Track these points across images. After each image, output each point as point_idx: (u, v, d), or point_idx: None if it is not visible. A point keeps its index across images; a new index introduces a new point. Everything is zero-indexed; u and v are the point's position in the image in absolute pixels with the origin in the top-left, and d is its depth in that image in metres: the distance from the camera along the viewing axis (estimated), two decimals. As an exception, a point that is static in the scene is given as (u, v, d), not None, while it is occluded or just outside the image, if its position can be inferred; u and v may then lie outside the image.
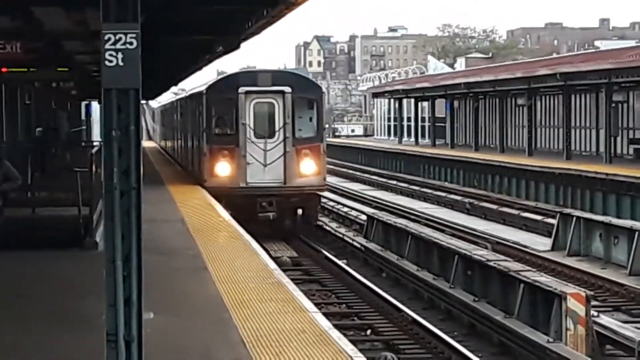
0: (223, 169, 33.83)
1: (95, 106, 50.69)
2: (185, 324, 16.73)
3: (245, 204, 32.32)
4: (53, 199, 24.54)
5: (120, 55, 11.14)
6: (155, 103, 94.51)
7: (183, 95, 57.83)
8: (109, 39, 11.05)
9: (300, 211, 35.69)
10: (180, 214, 26.50)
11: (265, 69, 32.58)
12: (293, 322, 16.64)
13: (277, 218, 33.82)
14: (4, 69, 27.88)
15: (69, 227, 22.58)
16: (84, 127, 44.15)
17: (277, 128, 33.62)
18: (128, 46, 11.20)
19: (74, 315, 16.52)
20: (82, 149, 35.66)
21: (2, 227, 22.59)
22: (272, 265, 20.10)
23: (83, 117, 47.84)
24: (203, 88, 35.77)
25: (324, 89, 37.49)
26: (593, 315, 23.05)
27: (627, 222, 37.66)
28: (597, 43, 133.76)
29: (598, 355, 22.52)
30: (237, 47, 32.97)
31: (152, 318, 12.33)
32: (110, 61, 11.07)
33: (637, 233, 34.47)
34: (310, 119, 34.95)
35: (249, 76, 33.41)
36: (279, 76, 34.47)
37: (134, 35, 11.06)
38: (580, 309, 22.51)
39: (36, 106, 38.80)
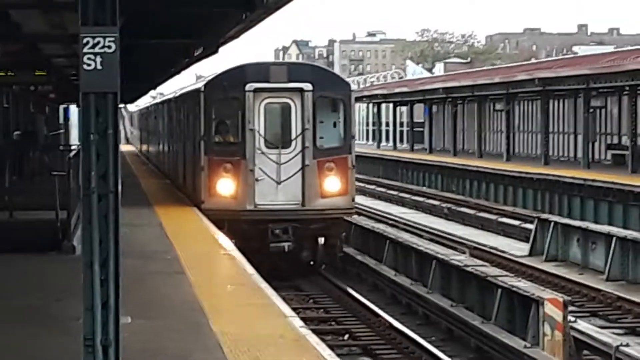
0: (225, 187, 28.45)
1: (74, 109, 50.38)
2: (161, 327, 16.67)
3: (253, 232, 27.75)
4: (31, 203, 24.61)
5: (98, 59, 11.15)
6: (133, 107, 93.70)
7: (171, 95, 50.76)
8: (88, 42, 11.06)
9: (321, 240, 29.46)
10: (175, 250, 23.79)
11: (279, 61, 28.45)
12: (271, 326, 16.63)
13: (293, 249, 28.42)
14: None
15: (46, 231, 22.75)
16: (62, 131, 44.03)
17: (293, 136, 28.28)
18: (107, 50, 11.20)
19: (49, 318, 16.72)
20: (60, 153, 35.11)
21: None
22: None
23: (61, 120, 47.74)
24: (200, 85, 30.27)
25: (353, 86, 29.84)
26: (570, 321, 23.39)
27: (605, 228, 38.02)
28: (575, 48, 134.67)
29: (578, 357, 22.75)
30: (215, 51, 32.95)
31: (130, 322, 12.24)
32: (89, 65, 11.08)
33: (614, 239, 34.82)
34: (335, 124, 29.37)
35: (259, 69, 28.54)
36: (297, 70, 29.05)
37: (112, 39, 11.09)
38: (557, 314, 22.73)
39: (14, 109, 38.64)
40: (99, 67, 11.12)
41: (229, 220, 27.05)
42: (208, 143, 29.13)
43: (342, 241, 30.58)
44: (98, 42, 11.14)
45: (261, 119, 28.68)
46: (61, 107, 47.12)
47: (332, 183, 28.70)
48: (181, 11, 22.39)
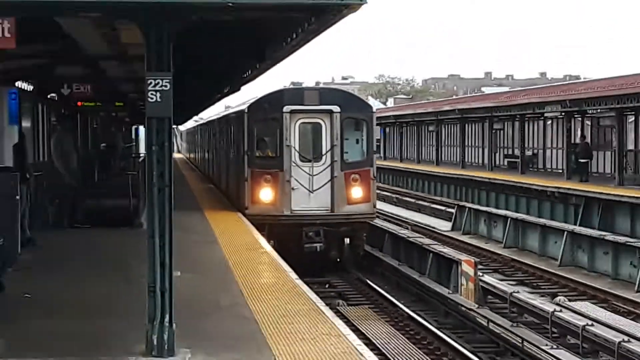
0: (266, 195, 25.22)
1: (142, 129, 50.28)
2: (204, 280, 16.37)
3: (289, 234, 24.78)
4: (112, 193, 24.82)
5: (158, 94, 11.12)
6: (182, 127, 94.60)
7: (215, 117, 45.66)
8: (151, 82, 11.02)
9: (347, 241, 26.84)
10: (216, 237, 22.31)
11: (311, 86, 25.05)
12: (275, 278, 16.48)
13: (324, 249, 25.79)
14: (79, 103, 27.96)
15: (123, 212, 23.01)
16: (133, 144, 44.27)
17: (324, 151, 25.21)
18: (164, 88, 11.13)
19: (124, 272, 16.76)
20: (132, 159, 35.24)
21: (83, 213, 24.18)
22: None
23: (133, 136, 47.89)
24: (244, 107, 27.05)
25: (374, 108, 28.20)
26: (479, 275, 23.60)
27: (502, 212, 38.84)
28: (483, 89, 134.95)
29: (482, 302, 22.79)
30: (238, 89, 32.99)
31: (180, 275, 12.40)
32: (152, 98, 11.08)
33: (509, 219, 35.53)
34: (359, 141, 26.03)
35: (294, 93, 26.08)
36: (327, 94, 26.25)
37: (167, 80, 11.06)
38: (470, 271, 22.95)
39: (101, 129, 38.66)
40: (158, 100, 11.11)
41: (269, 224, 24.07)
42: (251, 157, 25.59)
43: (364, 242, 27.35)
44: (158, 83, 11.11)
45: (296, 136, 25.26)
46: (133, 127, 47.34)
47: (357, 192, 25.40)
48: (213, 63, 22.30)
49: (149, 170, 11.31)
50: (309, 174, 25.00)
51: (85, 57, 19.13)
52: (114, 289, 15.36)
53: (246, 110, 25.73)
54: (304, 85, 23.92)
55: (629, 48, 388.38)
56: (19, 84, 22.58)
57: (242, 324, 13.06)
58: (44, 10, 11.00)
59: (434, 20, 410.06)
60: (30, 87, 24.34)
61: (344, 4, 10.19)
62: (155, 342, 11.06)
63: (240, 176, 26.17)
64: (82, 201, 24.35)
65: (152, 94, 11.07)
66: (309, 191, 24.94)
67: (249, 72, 24.74)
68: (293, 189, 24.75)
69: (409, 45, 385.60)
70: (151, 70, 10.91)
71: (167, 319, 11.10)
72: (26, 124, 23.87)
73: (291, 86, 26.21)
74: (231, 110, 33.50)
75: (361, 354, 11.20)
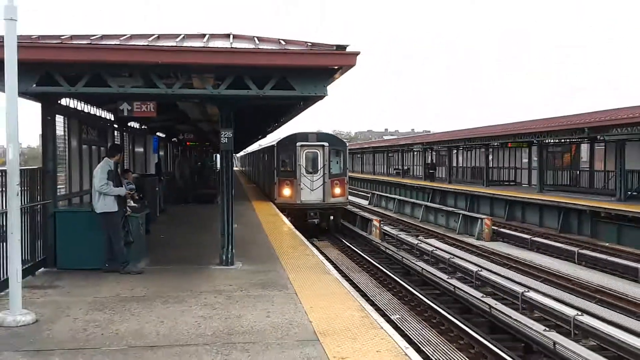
0: (286, 192, 24.59)
1: (218, 155, 49.81)
2: (248, 227, 16.18)
3: (299, 214, 24.11)
4: (204, 187, 28.11)
5: (226, 139, 11.46)
6: (237, 155, 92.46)
7: (257, 148, 45.28)
8: (223, 133, 11.48)
9: (332, 218, 26.31)
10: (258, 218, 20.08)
11: (313, 131, 24.72)
12: (294, 241, 15.38)
13: (319, 222, 25.30)
14: (187, 143, 32.81)
15: (209, 196, 25.55)
16: (214, 163, 44.14)
17: (319, 167, 24.50)
18: (229, 135, 11.43)
19: (209, 227, 16.40)
20: (213, 171, 35.73)
21: (191, 196, 25.96)
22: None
23: (214, 159, 47.78)
24: (274, 143, 26.62)
25: (347, 144, 27.81)
26: (382, 226, 25.95)
27: (392, 195, 41.53)
28: (385, 137, 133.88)
29: (383, 239, 24.19)
30: (265, 136, 35.19)
31: (237, 227, 12.31)
32: (223, 140, 11.52)
33: (395, 199, 38.12)
34: (338, 162, 25.31)
35: (303, 135, 25.07)
36: (321, 136, 25.58)
37: (231, 132, 11.50)
38: (377, 224, 25.15)
39: (198, 156, 39.19)
40: (226, 141, 11.51)
41: (288, 209, 23.85)
42: (278, 171, 25.28)
43: (340, 218, 26.86)
44: (226, 133, 11.42)
45: (304, 159, 24.90)
46: (214, 154, 46.93)
47: (337, 191, 25.06)
48: (253, 123, 23.95)
49: (221, 176, 12.05)
50: (311, 180, 25.19)
51: (190, 120, 20.21)
52: (204, 234, 15.91)
53: (276, 145, 26.72)
54: (303, 131, 25.05)
55: (629, 48, 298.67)
56: (158, 133, 26.32)
57: (267, 250, 13.63)
58: (171, 98, 11.08)
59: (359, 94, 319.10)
60: (163, 135, 28.13)
61: (317, 95, 10.06)
62: (224, 258, 11.60)
63: (272, 181, 26.92)
64: (190, 191, 27.22)
65: (223, 138, 11.52)
66: (311, 190, 25.13)
67: (271, 128, 28.14)
68: (301, 188, 25.11)
69: (348, 106, 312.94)
70: (223, 127, 11.49)
71: (230, 247, 11.55)
72: (161, 153, 27.76)
73: (298, 132, 26.88)
74: (265, 145, 35.88)
75: (323, 263, 12.16)
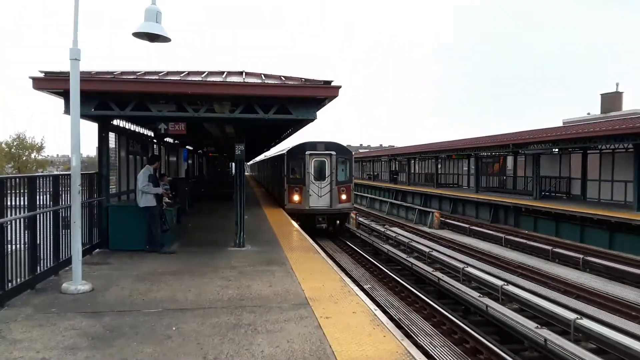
0: (295, 198, 20.46)
1: (233, 164, 48.67)
2: (256, 221, 15.87)
3: (308, 219, 20.56)
4: (223, 188, 28.46)
5: (239, 151, 11.36)
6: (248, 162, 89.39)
7: (266, 157, 38.47)
8: (236, 147, 11.39)
9: (338, 222, 21.62)
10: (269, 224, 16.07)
11: (321, 140, 18.62)
12: (292, 228, 15.03)
13: (327, 227, 21.62)
14: (210, 154, 32.52)
15: (228, 194, 22.46)
16: (230, 169, 43.33)
17: (327, 175, 20.50)
18: (241, 148, 11.30)
19: (225, 217, 16.23)
20: (230, 175, 35.08)
21: (213, 194, 25.68)
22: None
23: (230, 166, 46.97)
24: (285, 151, 22.61)
25: (353, 153, 22.70)
26: (357, 217, 24.61)
27: (366, 194, 41.15)
28: (360, 150, 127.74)
29: (358, 228, 23.39)
30: (269, 149, 33.85)
31: (247, 218, 12.14)
32: (237, 152, 11.43)
33: (367, 198, 37.99)
34: (344, 170, 20.98)
35: (311, 144, 21.22)
36: (329, 144, 21.14)
37: (243, 146, 11.44)
38: (354, 216, 23.39)
39: (218, 164, 38.33)
40: (239, 153, 11.40)
41: (297, 214, 20.19)
42: (287, 177, 21.10)
43: (346, 221, 22.25)
44: (239, 147, 11.33)
45: (312, 167, 20.79)
46: (230, 163, 46.11)
47: (344, 197, 20.70)
48: (260, 139, 22.60)
49: (236, 179, 11.86)
50: (319, 187, 21.13)
51: (212, 137, 18.92)
52: (222, 222, 15.62)
53: (286, 153, 22.53)
54: (312, 141, 20.07)
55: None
56: (187, 146, 24.61)
57: (271, 236, 13.33)
58: (198, 120, 10.71)
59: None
60: (191, 148, 26.49)
61: (308, 119, 10.03)
62: (237, 242, 11.45)
63: (282, 187, 22.56)
64: (213, 190, 27.16)
65: (237, 150, 11.38)
66: (319, 196, 21.08)
67: (274, 143, 26.95)
68: (310, 195, 20.95)
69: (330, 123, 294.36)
70: (237, 142, 11.39)
71: (242, 233, 11.44)
72: (190, 161, 26.38)
73: (307, 141, 21.25)
74: (276, 153, 29.97)
75: (314, 246, 11.77)
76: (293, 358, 5.22)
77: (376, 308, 6.97)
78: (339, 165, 21.99)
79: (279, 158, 26.30)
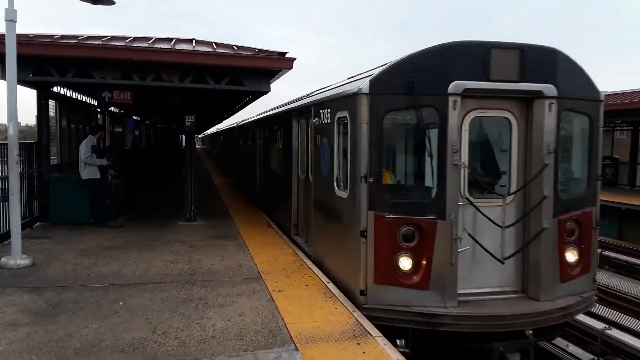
0: (406, 265, 6.25)
1: (183, 137, 46.57)
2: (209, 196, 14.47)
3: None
4: (173, 161, 26.22)
5: (189, 122, 11.14)
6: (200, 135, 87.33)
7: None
8: (187, 118, 11.09)
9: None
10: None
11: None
12: (258, 218, 13.92)
13: None
14: (158, 125, 30.36)
15: (178, 168, 20.92)
16: (180, 141, 41.63)
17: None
18: (192, 120, 11.10)
19: (175, 191, 14.87)
20: (180, 150, 33.54)
21: (161, 168, 22.73)
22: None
23: (180, 139, 45.20)
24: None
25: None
26: None
27: None
28: None
29: None
30: (221, 122, 32.44)
31: (199, 193, 11.51)
32: (187, 124, 11.20)
33: None
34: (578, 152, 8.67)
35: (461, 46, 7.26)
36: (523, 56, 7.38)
37: (193, 118, 11.23)
38: None
39: (167, 136, 36.85)
40: (189, 124, 11.18)
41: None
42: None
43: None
44: (189, 119, 11.04)
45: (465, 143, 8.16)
46: (180, 135, 44.27)
47: (572, 260, 7.87)
48: (213, 109, 21.47)
49: (187, 151, 11.80)
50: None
51: (161, 106, 18.15)
52: (173, 197, 14.68)
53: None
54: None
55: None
56: (134, 117, 23.93)
57: (223, 210, 13.42)
58: (144, 89, 10.13)
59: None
60: (138, 118, 25.50)
61: (263, 91, 9.79)
62: (187, 216, 11.42)
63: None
64: (162, 163, 24.83)
65: (187, 122, 11.11)
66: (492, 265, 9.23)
67: (227, 115, 24.96)
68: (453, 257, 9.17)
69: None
70: (187, 113, 11.15)
71: (192, 207, 11.43)
72: (137, 132, 25.30)
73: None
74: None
75: (266, 220, 11.56)
76: (245, 331, 5.29)
77: (328, 281, 7.05)
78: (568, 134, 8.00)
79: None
